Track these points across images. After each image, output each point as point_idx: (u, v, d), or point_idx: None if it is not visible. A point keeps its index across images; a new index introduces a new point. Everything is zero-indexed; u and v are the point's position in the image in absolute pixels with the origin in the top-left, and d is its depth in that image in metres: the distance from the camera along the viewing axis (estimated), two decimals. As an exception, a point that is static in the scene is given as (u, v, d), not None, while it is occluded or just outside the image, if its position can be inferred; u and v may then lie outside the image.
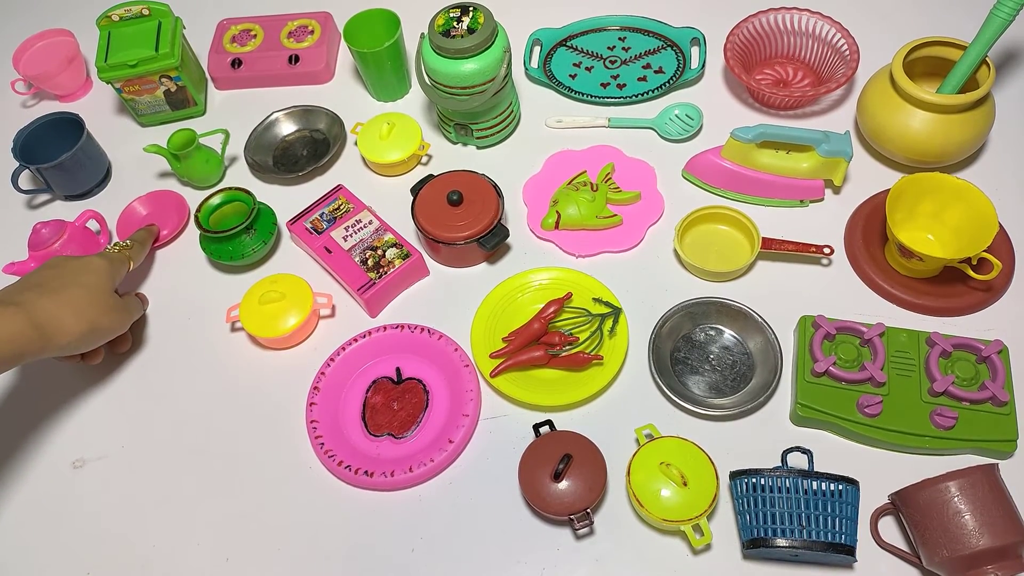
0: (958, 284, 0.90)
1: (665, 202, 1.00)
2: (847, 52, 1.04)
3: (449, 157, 1.09)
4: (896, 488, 0.74)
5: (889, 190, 0.89)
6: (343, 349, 0.91)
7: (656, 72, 1.12)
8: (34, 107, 1.22)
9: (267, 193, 1.07)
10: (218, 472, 0.86)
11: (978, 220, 0.86)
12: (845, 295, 0.92)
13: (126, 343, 0.95)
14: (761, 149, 0.96)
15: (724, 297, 0.89)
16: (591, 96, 1.10)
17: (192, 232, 1.05)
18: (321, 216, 0.99)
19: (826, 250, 0.92)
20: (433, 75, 0.98)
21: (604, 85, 1.12)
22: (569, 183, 1.00)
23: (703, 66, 1.10)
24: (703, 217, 0.96)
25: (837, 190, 0.99)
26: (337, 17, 1.22)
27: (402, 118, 1.06)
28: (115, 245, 0.94)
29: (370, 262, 0.95)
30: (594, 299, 0.91)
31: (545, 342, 0.88)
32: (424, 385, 0.89)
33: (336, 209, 1.00)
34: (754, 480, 0.74)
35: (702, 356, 0.89)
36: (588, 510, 0.76)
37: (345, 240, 0.97)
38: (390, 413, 0.88)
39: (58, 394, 0.94)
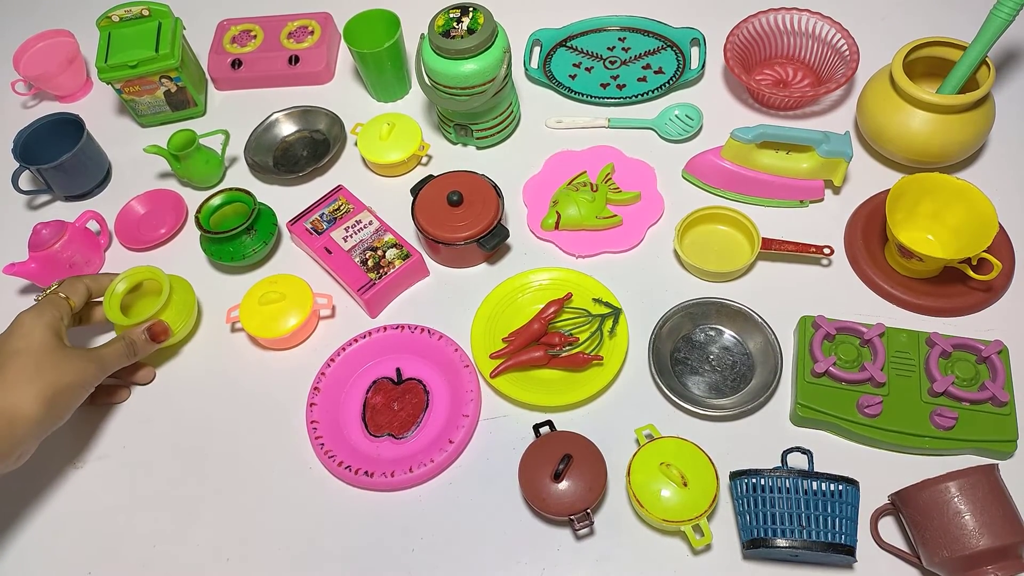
0: (958, 284, 0.90)
1: (665, 202, 1.00)
2: (847, 52, 1.04)
3: (449, 157, 1.09)
4: (896, 488, 0.74)
5: (889, 190, 0.89)
6: (343, 349, 0.91)
7: (656, 72, 1.12)
8: (34, 108, 1.22)
9: (267, 194, 1.07)
10: (218, 472, 0.86)
11: (978, 220, 0.86)
12: (845, 295, 0.92)
13: (120, 393, 0.91)
14: (761, 149, 0.96)
15: (724, 297, 0.90)
16: (591, 96, 1.10)
17: (192, 232, 1.05)
18: (321, 217, 0.99)
19: (826, 250, 0.92)
20: (433, 76, 0.98)
21: (604, 85, 1.12)
22: (569, 183, 1.00)
23: (703, 66, 1.10)
24: (703, 217, 0.96)
25: (837, 190, 0.99)
26: (337, 17, 1.22)
27: (402, 118, 1.07)
28: (44, 291, 0.85)
29: (370, 263, 0.95)
30: (594, 299, 0.91)
31: (545, 342, 0.88)
32: (424, 385, 0.89)
33: (336, 210, 1.00)
34: (754, 480, 0.74)
35: (702, 356, 0.89)
36: (588, 510, 0.77)
37: (345, 241, 0.97)
38: (390, 413, 0.88)
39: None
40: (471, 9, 0.96)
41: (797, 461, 0.78)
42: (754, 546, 0.73)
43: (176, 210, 1.06)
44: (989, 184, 0.91)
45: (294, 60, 1.17)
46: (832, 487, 0.73)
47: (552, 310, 0.89)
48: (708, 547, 0.77)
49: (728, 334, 0.90)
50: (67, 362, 0.78)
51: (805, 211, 0.99)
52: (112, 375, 0.85)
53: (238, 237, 0.97)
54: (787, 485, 0.73)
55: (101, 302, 0.90)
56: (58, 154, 1.03)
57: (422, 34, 1.00)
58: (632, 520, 0.80)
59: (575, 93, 1.11)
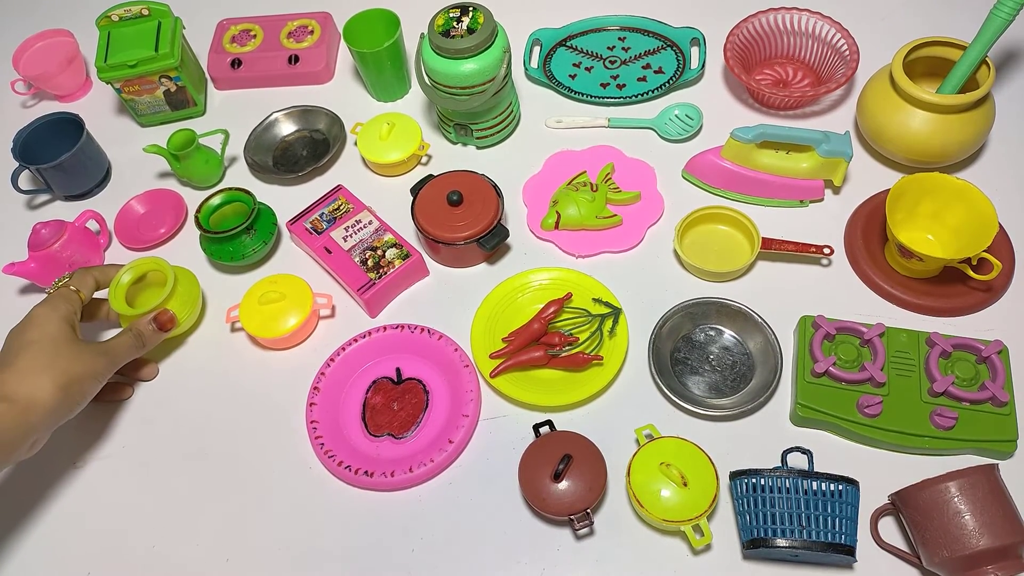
0: (958, 284, 0.90)
1: (665, 202, 1.00)
2: (847, 52, 1.04)
3: (449, 157, 1.09)
4: (896, 488, 0.74)
5: (889, 190, 0.89)
6: (343, 349, 0.91)
7: (656, 72, 1.12)
8: (34, 107, 1.22)
9: (267, 193, 1.07)
10: (218, 472, 0.86)
11: (978, 220, 0.86)
12: (845, 295, 0.92)
13: (124, 390, 0.91)
14: (761, 149, 0.96)
15: (724, 297, 0.89)
16: (591, 96, 1.10)
17: (192, 232, 1.04)
18: (321, 216, 0.99)
19: (826, 250, 0.92)
20: (433, 75, 0.98)
21: (604, 85, 1.12)
22: (569, 183, 1.00)
23: (703, 66, 1.10)
24: (703, 217, 0.96)
25: (837, 190, 0.99)
26: (337, 17, 1.22)
27: (402, 118, 1.06)
28: (54, 284, 0.88)
29: (370, 262, 0.95)
30: (594, 299, 0.91)
31: (545, 342, 0.88)
32: (424, 385, 0.89)
33: (336, 209, 1.00)
34: (754, 480, 0.74)
35: (702, 356, 0.89)
36: (588, 510, 0.76)
37: (345, 240, 0.97)
38: (390, 413, 0.88)
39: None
40: (471, 9, 0.96)
41: (797, 461, 0.78)
42: (754, 546, 0.73)
43: (176, 210, 1.06)
44: (989, 184, 0.91)
45: (294, 60, 1.17)
46: (832, 487, 0.73)
47: (552, 310, 0.89)
48: (708, 547, 0.77)
49: (728, 334, 0.90)
50: (80, 354, 0.79)
51: (805, 211, 0.99)
52: (117, 371, 0.85)
53: (238, 237, 0.97)
54: (787, 485, 0.73)
55: (105, 299, 0.90)
56: (58, 154, 1.03)
57: (422, 34, 1.00)
58: (632, 520, 0.80)
59: (575, 93, 1.11)
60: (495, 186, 0.97)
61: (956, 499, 0.70)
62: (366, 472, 0.83)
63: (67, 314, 0.81)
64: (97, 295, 0.91)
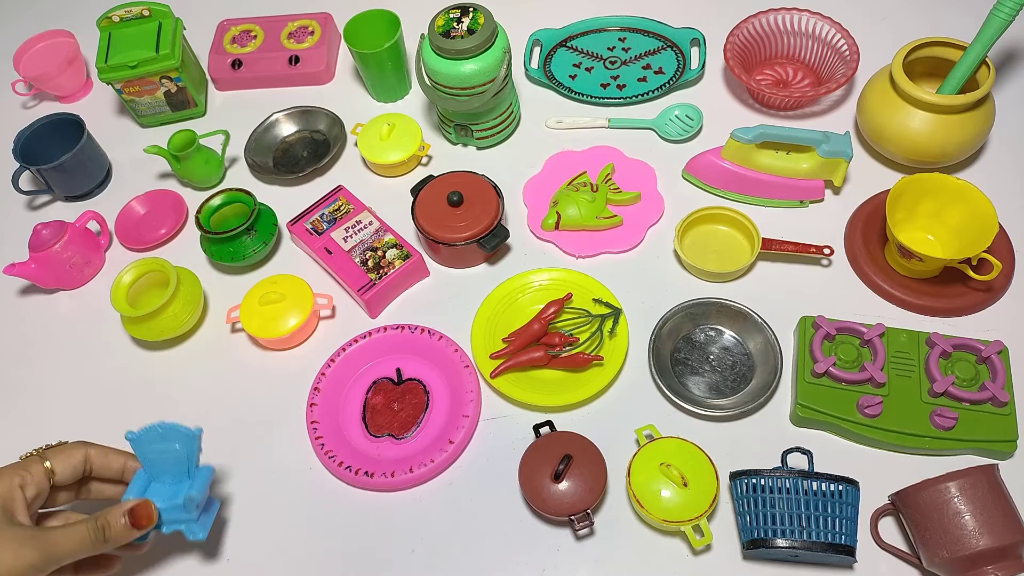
0: (958, 284, 0.90)
1: (665, 203, 1.00)
2: (847, 52, 1.04)
3: (449, 158, 1.09)
4: (896, 488, 0.74)
5: (889, 190, 0.89)
6: (343, 350, 0.91)
7: (656, 73, 1.12)
8: (34, 108, 1.22)
9: (267, 194, 1.08)
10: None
11: (978, 220, 0.86)
12: (845, 295, 0.92)
13: (110, 563, 0.72)
14: (761, 150, 0.96)
15: (724, 298, 0.90)
16: (591, 97, 1.10)
17: (192, 232, 1.05)
18: (321, 217, 0.99)
19: (826, 251, 0.92)
20: (433, 76, 0.98)
21: (604, 86, 1.12)
22: (569, 184, 1.01)
23: (703, 67, 1.10)
24: (703, 218, 0.96)
25: (837, 190, 0.99)
26: (337, 18, 1.22)
27: (402, 119, 1.07)
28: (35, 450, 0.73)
29: (370, 263, 0.95)
30: (594, 300, 0.91)
31: (545, 343, 0.88)
32: (424, 386, 0.89)
33: (336, 210, 1.00)
34: (754, 481, 0.74)
35: (702, 357, 0.89)
36: (588, 511, 0.77)
37: (345, 241, 0.97)
38: (390, 414, 0.88)
39: (59, 395, 0.94)
40: (471, 9, 0.96)
41: (797, 461, 0.78)
42: (754, 546, 0.73)
43: (176, 210, 1.06)
44: (989, 184, 0.91)
45: (294, 60, 1.17)
46: (832, 487, 0.73)
47: (552, 310, 0.89)
48: (708, 547, 0.78)
49: (728, 334, 0.90)
50: (4, 543, 0.63)
51: (805, 211, 0.99)
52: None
53: (238, 237, 0.97)
54: (787, 485, 0.73)
55: (111, 479, 0.76)
56: (58, 154, 1.03)
57: (422, 34, 1.00)
58: (632, 520, 0.80)
59: (575, 93, 1.11)
60: (495, 186, 0.97)
61: (956, 499, 0.70)
62: (366, 472, 0.83)
63: (6, 492, 0.66)
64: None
